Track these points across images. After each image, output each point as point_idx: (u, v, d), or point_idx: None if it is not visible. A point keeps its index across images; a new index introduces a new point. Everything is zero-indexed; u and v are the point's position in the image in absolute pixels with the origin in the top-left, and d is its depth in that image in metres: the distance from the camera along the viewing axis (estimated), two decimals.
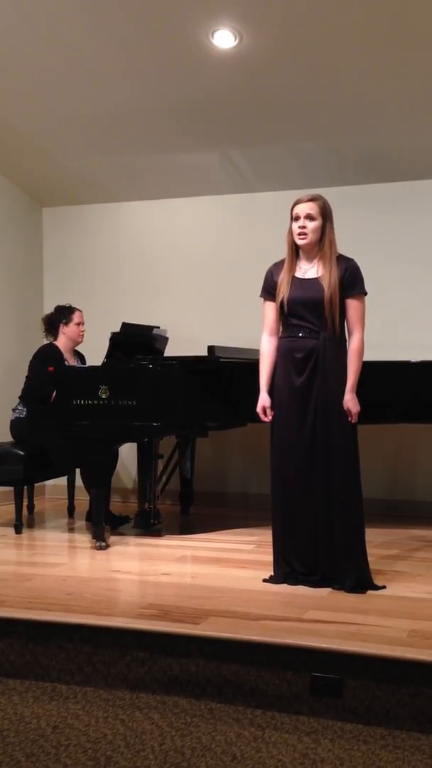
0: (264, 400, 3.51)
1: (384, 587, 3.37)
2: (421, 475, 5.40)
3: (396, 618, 2.93)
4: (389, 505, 5.23)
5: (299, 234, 3.40)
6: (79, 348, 5.21)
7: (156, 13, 4.11)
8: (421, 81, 4.44)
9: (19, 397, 4.99)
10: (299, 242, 3.42)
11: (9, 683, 2.83)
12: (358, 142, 5.08)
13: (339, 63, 4.38)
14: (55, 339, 5.05)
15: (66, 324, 5.02)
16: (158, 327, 5.13)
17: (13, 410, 4.99)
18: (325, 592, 3.33)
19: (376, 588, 3.35)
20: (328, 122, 4.91)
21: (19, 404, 4.97)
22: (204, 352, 4.55)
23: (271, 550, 3.54)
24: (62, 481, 5.49)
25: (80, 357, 5.23)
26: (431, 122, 4.78)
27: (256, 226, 5.75)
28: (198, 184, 5.76)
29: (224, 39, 4.24)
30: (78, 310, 5.08)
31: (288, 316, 3.45)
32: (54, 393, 4.45)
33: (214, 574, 3.66)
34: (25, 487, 5.00)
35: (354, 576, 3.34)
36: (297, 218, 3.41)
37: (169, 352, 5.25)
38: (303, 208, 3.40)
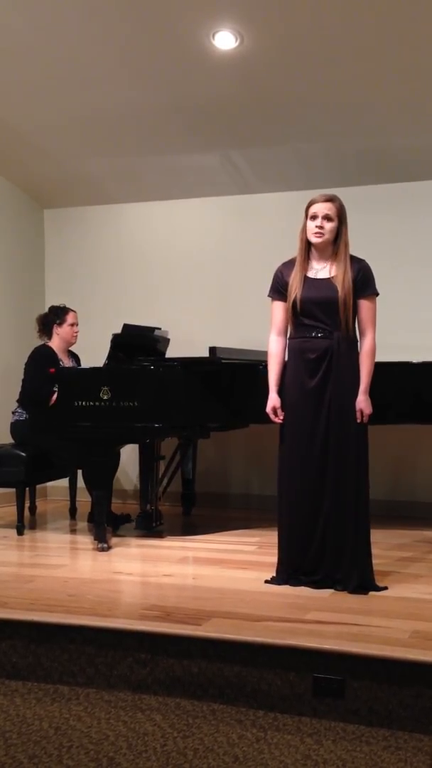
0: (274, 400, 3.48)
1: (386, 588, 3.37)
2: (422, 476, 5.40)
3: (398, 619, 2.93)
4: (390, 506, 5.23)
5: (315, 233, 3.37)
6: (79, 349, 5.21)
7: (157, 14, 4.12)
8: (422, 82, 4.45)
9: (17, 401, 4.99)
10: (314, 240, 3.39)
11: (11, 685, 2.83)
12: (358, 143, 5.08)
13: (339, 64, 4.39)
14: (49, 339, 5.05)
15: (60, 325, 5.01)
16: (159, 328, 5.13)
17: (13, 413, 4.99)
18: (327, 593, 3.33)
19: (378, 589, 3.35)
20: (328, 123, 4.91)
21: (18, 407, 4.97)
22: (205, 353, 4.55)
23: (273, 551, 3.53)
24: (64, 482, 5.49)
25: (75, 358, 5.23)
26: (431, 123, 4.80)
27: (257, 227, 5.75)
28: (199, 185, 5.76)
29: (225, 40, 4.24)
30: (72, 310, 5.07)
31: (300, 316, 3.42)
32: (54, 394, 4.45)
33: (216, 576, 3.66)
34: (27, 488, 5.00)
35: (358, 577, 3.33)
36: (314, 217, 3.38)
37: (170, 353, 5.25)
38: (321, 208, 3.36)
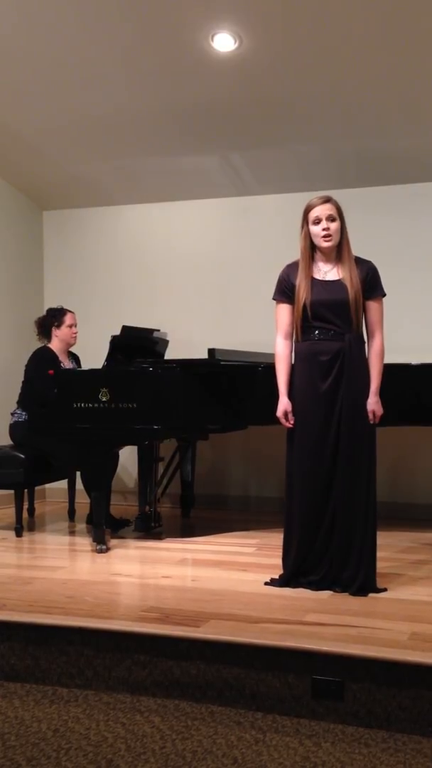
0: (285, 404, 3.44)
1: (385, 590, 3.37)
2: (421, 478, 5.40)
3: (397, 621, 2.93)
4: (389, 507, 5.22)
5: (325, 236, 3.35)
6: (78, 350, 5.21)
7: (156, 16, 4.12)
8: (421, 84, 4.45)
9: (18, 402, 4.98)
10: (325, 245, 3.37)
11: (10, 686, 2.83)
12: (357, 145, 5.09)
13: (338, 66, 4.39)
14: (49, 341, 5.05)
15: (58, 327, 5.00)
16: (158, 330, 5.13)
17: (12, 414, 4.98)
18: (326, 594, 3.33)
19: (378, 590, 3.35)
20: (327, 125, 4.92)
21: (17, 408, 4.97)
22: (204, 355, 4.54)
23: (272, 552, 3.53)
24: (63, 484, 5.49)
25: (75, 359, 5.23)
26: (431, 125, 4.79)
27: (255, 229, 5.75)
28: (198, 187, 5.76)
29: (224, 42, 4.25)
30: (70, 312, 5.06)
31: (311, 319, 3.40)
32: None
33: (215, 577, 3.66)
34: (26, 490, 5.00)
35: (361, 579, 3.33)
36: (318, 221, 3.35)
37: (169, 354, 5.25)
38: (324, 210, 3.35)
